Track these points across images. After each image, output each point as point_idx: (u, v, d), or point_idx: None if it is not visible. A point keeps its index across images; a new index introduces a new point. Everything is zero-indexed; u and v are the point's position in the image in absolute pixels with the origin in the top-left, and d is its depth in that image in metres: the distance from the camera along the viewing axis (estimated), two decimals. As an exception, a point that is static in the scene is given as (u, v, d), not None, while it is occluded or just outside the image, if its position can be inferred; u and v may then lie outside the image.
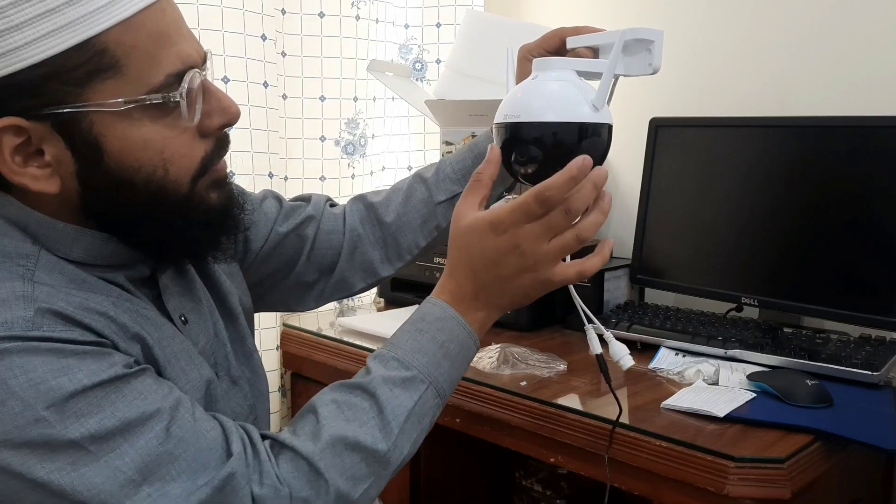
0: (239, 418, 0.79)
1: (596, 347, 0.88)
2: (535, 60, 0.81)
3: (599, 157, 0.77)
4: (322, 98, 1.62)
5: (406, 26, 1.78)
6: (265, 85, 1.43)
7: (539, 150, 0.76)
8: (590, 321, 0.88)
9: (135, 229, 0.71)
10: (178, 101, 0.66)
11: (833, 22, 1.39)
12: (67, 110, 0.63)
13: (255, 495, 0.66)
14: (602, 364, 0.91)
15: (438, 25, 1.77)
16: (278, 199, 1.01)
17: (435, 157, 1.76)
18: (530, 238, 0.73)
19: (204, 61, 0.71)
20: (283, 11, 1.54)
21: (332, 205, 1.04)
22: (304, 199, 1.03)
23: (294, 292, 1.01)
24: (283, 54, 1.56)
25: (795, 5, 1.43)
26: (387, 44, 1.73)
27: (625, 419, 0.99)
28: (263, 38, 1.41)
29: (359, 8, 1.63)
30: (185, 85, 0.66)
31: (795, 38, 1.44)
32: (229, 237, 0.78)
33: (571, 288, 0.85)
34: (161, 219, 0.70)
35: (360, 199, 1.02)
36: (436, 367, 0.75)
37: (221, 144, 0.74)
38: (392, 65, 1.69)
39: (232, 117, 0.72)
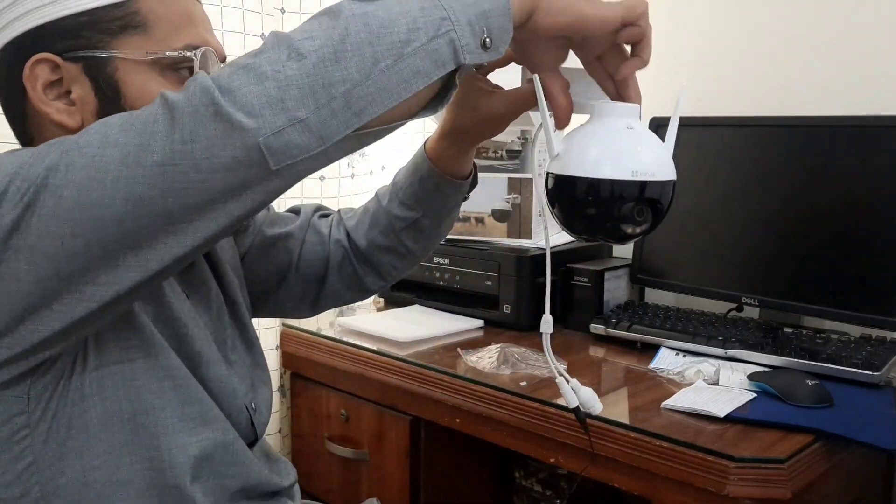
0: (236, 403, 0.80)
1: (572, 401, 0.83)
2: (600, 105, 0.74)
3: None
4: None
5: (406, 26, 1.77)
6: (265, 84, 1.42)
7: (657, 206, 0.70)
8: (560, 374, 0.83)
9: None
10: (192, 63, 0.73)
11: (833, 22, 1.39)
12: (98, 54, 0.71)
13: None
14: (580, 416, 0.86)
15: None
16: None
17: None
18: None
19: (223, 60, 0.78)
20: (283, 10, 1.54)
21: (324, 215, 1.03)
22: (295, 211, 1.03)
23: (288, 302, 1.01)
24: (283, 54, 1.56)
25: (796, 6, 1.43)
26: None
27: (624, 419, 0.99)
28: (263, 37, 1.41)
29: (358, 7, 1.63)
30: (199, 52, 0.74)
31: (796, 39, 1.44)
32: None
33: (546, 344, 0.81)
34: None
35: (341, 221, 1.01)
36: None
37: None
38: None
39: None
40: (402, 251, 0.96)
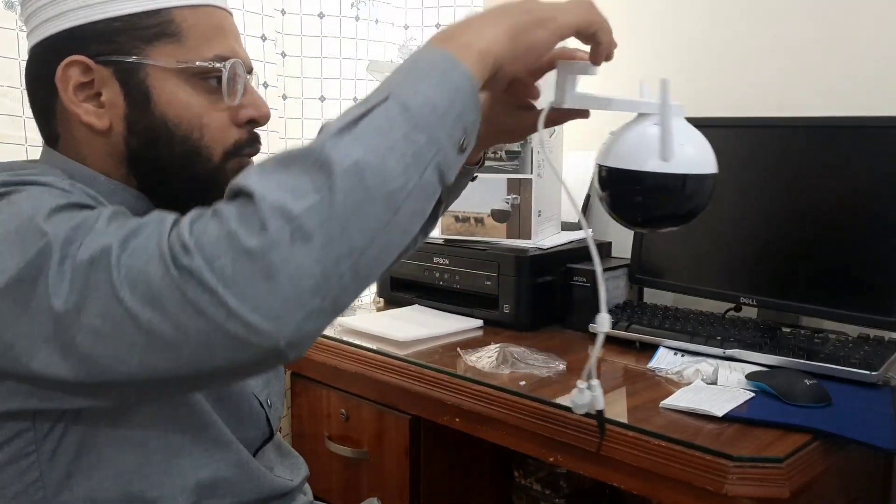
0: (253, 404, 0.83)
1: (599, 403, 0.81)
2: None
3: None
4: (322, 98, 1.62)
5: (406, 27, 1.78)
6: (265, 85, 1.43)
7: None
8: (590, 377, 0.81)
9: (167, 185, 0.76)
10: (221, 74, 0.75)
11: (833, 22, 1.40)
12: (130, 60, 0.73)
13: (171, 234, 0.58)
14: (602, 421, 0.86)
15: (438, 26, 1.78)
16: None
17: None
18: None
19: (250, 70, 0.80)
20: (283, 12, 1.55)
21: None
22: None
23: None
24: (283, 55, 1.56)
25: (795, 6, 1.44)
26: (386, 44, 1.73)
27: (623, 419, 0.99)
28: (263, 38, 1.42)
29: (358, 8, 1.63)
30: (228, 64, 0.75)
31: (795, 39, 1.44)
32: None
33: (598, 345, 0.78)
34: (190, 180, 0.76)
35: None
36: (397, 83, 0.62)
37: (253, 139, 0.80)
38: (392, 65, 1.69)
39: (262, 114, 0.80)
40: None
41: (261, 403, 0.84)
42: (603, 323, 0.76)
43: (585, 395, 0.80)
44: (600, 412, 0.82)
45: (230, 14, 0.80)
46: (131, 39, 0.73)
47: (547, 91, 0.80)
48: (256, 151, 0.81)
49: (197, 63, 0.74)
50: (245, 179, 0.57)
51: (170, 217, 0.60)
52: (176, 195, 0.76)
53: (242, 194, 0.56)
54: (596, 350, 0.78)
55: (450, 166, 0.62)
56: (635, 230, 0.81)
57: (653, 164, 0.76)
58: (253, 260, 0.54)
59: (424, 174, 0.59)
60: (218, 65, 0.75)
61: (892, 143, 1.18)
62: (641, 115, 0.79)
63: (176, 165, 0.75)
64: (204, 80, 0.75)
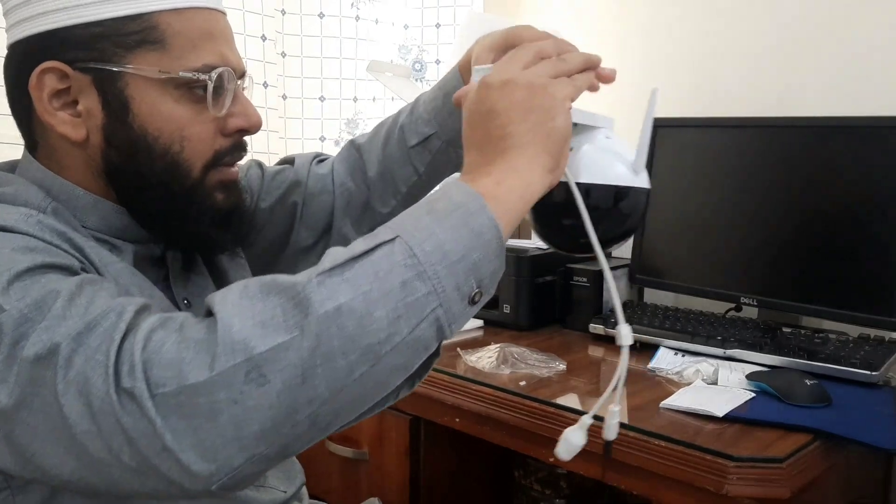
0: None
1: (614, 433, 0.71)
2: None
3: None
4: (322, 98, 1.62)
5: (405, 27, 1.78)
6: (265, 85, 1.43)
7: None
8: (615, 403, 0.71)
9: (145, 201, 0.73)
10: (206, 85, 0.71)
11: (833, 22, 1.40)
12: (110, 68, 0.69)
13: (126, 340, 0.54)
14: (609, 452, 0.84)
15: (438, 26, 1.78)
16: (260, 166, 1.00)
17: (434, 158, 1.76)
18: (511, 68, 0.65)
19: (242, 75, 0.76)
20: (283, 12, 1.55)
21: (322, 160, 1.01)
22: (289, 160, 1.01)
23: (296, 258, 0.99)
24: (283, 55, 1.56)
25: (795, 6, 1.44)
26: (386, 44, 1.73)
27: (623, 419, 0.99)
28: (263, 38, 1.42)
29: (358, 8, 1.63)
30: (215, 74, 0.71)
31: (795, 39, 1.44)
32: (232, 237, 0.79)
33: (623, 361, 0.67)
34: (169, 197, 0.73)
35: (352, 147, 0.98)
36: (412, 220, 0.58)
37: (238, 147, 0.77)
38: (391, 65, 1.69)
39: (252, 124, 0.76)
40: (408, 173, 0.92)
41: None
42: (626, 336, 0.66)
43: (578, 438, 0.69)
44: (609, 443, 0.78)
45: (223, 14, 0.76)
46: (111, 46, 0.68)
47: None
48: (239, 158, 0.78)
49: (181, 74, 0.70)
50: (221, 301, 0.54)
51: (129, 311, 0.55)
52: (155, 210, 0.73)
53: (213, 315, 0.53)
54: (622, 368, 0.67)
55: (453, 320, 0.56)
56: (576, 253, 0.75)
57: (627, 178, 0.71)
58: (198, 395, 0.50)
59: (417, 328, 0.54)
60: (203, 76, 0.71)
61: (893, 143, 1.18)
62: (585, 129, 0.73)
63: (155, 180, 0.72)
64: (189, 89, 0.71)
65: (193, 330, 0.53)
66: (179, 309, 0.77)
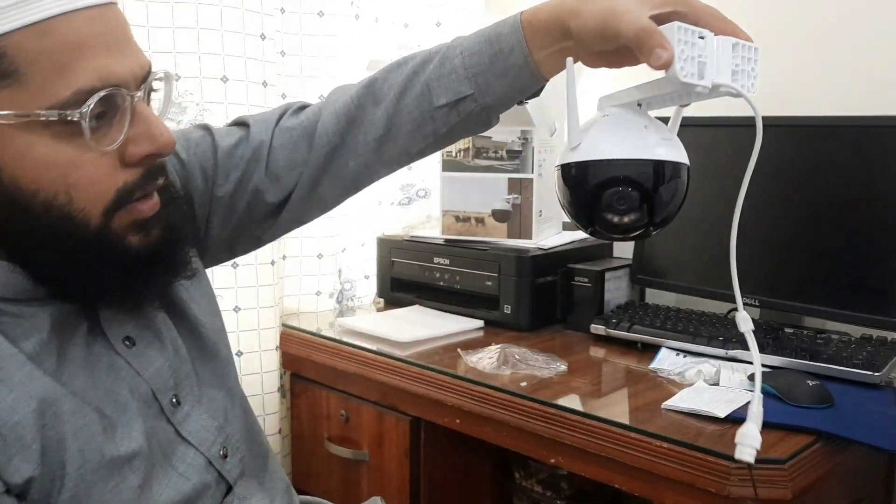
0: (205, 441, 0.73)
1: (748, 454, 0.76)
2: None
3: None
4: (321, 97, 1.61)
5: (406, 25, 1.77)
6: (264, 84, 1.42)
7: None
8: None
9: (38, 262, 0.62)
10: (76, 121, 0.57)
11: (833, 22, 1.39)
12: None
13: None
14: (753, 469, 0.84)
15: (438, 24, 1.77)
16: (211, 133, 0.85)
17: (433, 156, 1.75)
18: None
19: (142, 81, 0.63)
20: (283, 10, 1.54)
21: (302, 107, 0.89)
22: (243, 122, 0.87)
23: (265, 223, 0.87)
24: (283, 53, 1.56)
25: (795, 6, 1.43)
26: (386, 43, 1.73)
27: (625, 420, 0.99)
28: (262, 37, 1.41)
29: (358, 7, 1.62)
30: (90, 104, 0.57)
31: (795, 39, 1.44)
32: (165, 269, 0.69)
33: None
34: (67, 254, 0.62)
35: (365, 92, 0.86)
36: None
37: (149, 177, 0.65)
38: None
39: (160, 147, 0.63)
40: (425, 133, 0.81)
41: (209, 462, 0.73)
42: (745, 320, 0.76)
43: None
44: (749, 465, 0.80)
45: (105, 6, 0.60)
46: None
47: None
48: (153, 189, 0.65)
49: (42, 114, 0.56)
50: None
51: None
52: (55, 267, 0.62)
53: None
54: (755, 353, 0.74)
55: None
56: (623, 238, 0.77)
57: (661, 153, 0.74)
58: None
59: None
60: (72, 113, 0.56)
61: (893, 143, 1.17)
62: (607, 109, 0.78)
63: (45, 237, 0.60)
64: (65, 124, 0.57)
65: None
66: (117, 353, 0.69)
